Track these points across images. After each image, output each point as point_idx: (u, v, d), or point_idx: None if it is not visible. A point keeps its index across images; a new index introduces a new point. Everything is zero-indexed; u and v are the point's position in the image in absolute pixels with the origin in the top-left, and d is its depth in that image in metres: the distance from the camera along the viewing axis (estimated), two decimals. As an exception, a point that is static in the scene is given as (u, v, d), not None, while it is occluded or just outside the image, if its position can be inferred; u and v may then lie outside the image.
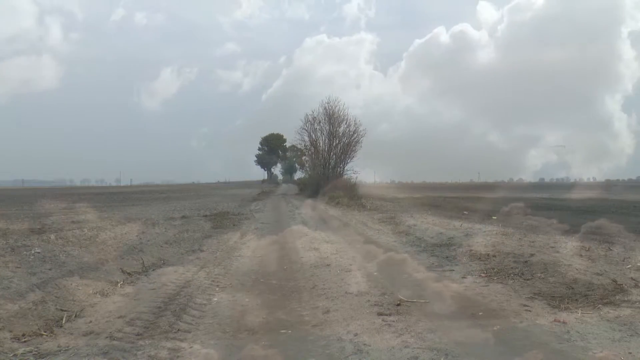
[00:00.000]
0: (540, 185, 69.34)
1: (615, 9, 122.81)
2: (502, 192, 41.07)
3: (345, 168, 41.52)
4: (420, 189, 52.16)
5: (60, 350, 4.20)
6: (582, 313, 5.23)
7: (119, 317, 5.19)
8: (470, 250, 9.32)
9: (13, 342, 4.37)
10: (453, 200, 28.80)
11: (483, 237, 10.57)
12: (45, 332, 4.66)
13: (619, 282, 6.24)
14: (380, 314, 5.29)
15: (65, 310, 5.34)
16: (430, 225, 13.70)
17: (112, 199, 36.13)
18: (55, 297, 5.75)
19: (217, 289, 6.66)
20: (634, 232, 10.92)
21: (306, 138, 43.93)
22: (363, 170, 42.62)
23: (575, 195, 37.59)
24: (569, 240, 9.63)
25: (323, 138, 42.55)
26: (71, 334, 4.69)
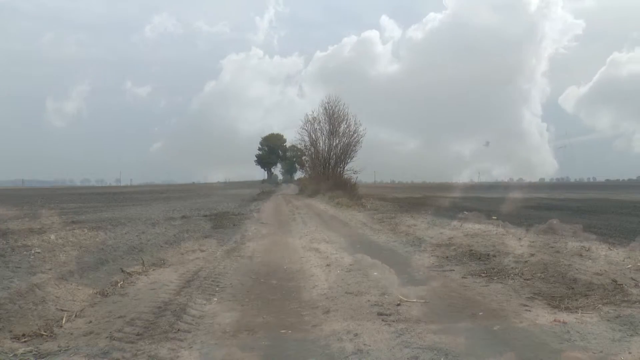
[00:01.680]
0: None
1: (533, 30, 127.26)
2: (497, 193, 41.11)
3: (345, 168, 41.58)
4: (420, 189, 52.18)
5: (60, 350, 4.20)
6: (582, 313, 5.23)
7: (119, 317, 5.19)
8: (471, 250, 9.32)
9: (13, 342, 4.37)
10: (453, 201, 28.80)
11: (482, 237, 10.58)
12: (45, 332, 4.66)
13: (619, 282, 6.24)
14: (380, 314, 5.29)
15: (65, 310, 5.34)
16: (430, 225, 13.71)
17: (113, 199, 36.13)
18: (55, 297, 5.75)
19: (217, 289, 6.66)
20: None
21: (306, 138, 44.07)
22: (363, 171, 42.65)
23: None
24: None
25: (323, 138, 42.64)
26: (71, 334, 4.68)
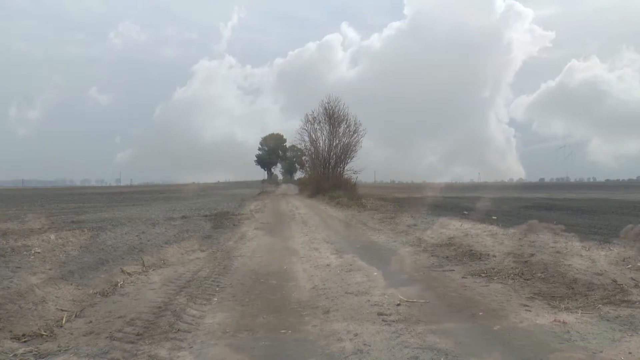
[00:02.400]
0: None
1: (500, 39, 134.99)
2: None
3: (345, 168, 41.55)
4: (420, 189, 52.17)
5: (60, 350, 4.20)
6: (582, 313, 5.23)
7: (119, 317, 5.20)
8: (471, 250, 9.32)
9: (13, 342, 4.37)
10: (452, 201, 28.81)
11: (482, 237, 10.58)
12: (45, 332, 4.66)
13: (619, 282, 6.24)
14: (380, 314, 5.29)
15: (65, 310, 5.34)
16: (430, 225, 13.70)
17: (113, 199, 36.12)
18: (55, 297, 5.76)
19: (217, 289, 6.66)
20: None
21: (306, 138, 43.96)
22: (363, 170, 42.67)
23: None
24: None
25: (323, 138, 42.58)
26: (71, 334, 4.69)
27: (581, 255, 8.08)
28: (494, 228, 11.88)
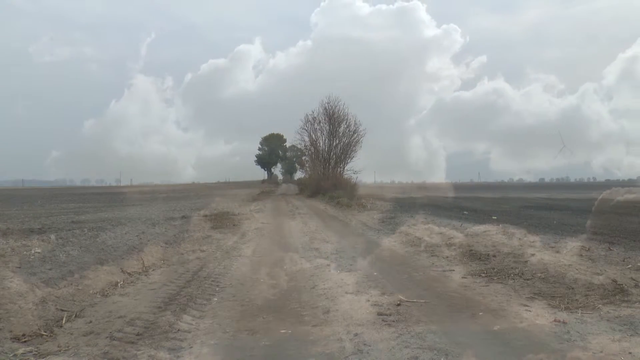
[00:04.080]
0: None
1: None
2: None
3: (346, 168, 41.60)
4: (420, 189, 52.17)
5: (60, 350, 4.21)
6: (582, 313, 5.23)
7: (119, 317, 5.20)
8: (470, 250, 9.32)
9: (13, 342, 4.37)
10: (453, 201, 28.81)
11: (482, 237, 10.57)
12: (45, 332, 4.66)
13: (619, 282, 6.24)
14: (380, 314, 5.29)
15: (65, 310, 5.34)
16: (430, 225, 13.69)
17: (113, 199, 36.09)
18: (55, 297, 5.75)
19: (217, 288, 6.66)
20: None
21: (306, 138, 44.08)
22: (363, 170, 42.76)
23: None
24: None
25: (323, 138, 42.65)
26: (71, 334, 4.69)
27: (581, 255, 8.07)
28: (493, 228, 11.85)
